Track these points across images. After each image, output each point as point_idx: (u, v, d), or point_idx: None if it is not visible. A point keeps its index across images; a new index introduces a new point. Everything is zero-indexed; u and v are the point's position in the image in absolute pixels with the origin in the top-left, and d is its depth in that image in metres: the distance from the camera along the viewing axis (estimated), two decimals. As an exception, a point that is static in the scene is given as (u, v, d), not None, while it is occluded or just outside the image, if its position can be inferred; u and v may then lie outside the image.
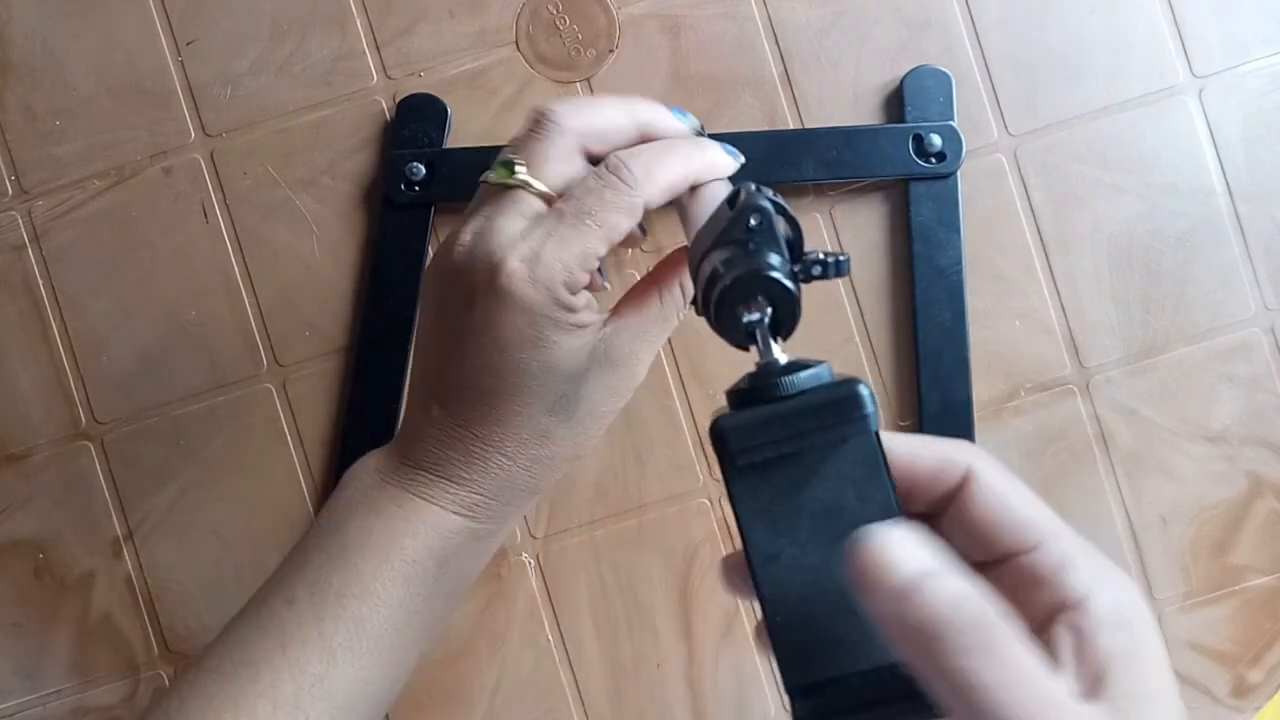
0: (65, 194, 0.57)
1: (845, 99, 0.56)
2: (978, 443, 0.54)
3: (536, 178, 0.41)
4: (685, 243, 0.41)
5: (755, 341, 0.33)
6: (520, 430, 0.42)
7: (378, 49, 0.56)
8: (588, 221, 0.40)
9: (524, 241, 0.40)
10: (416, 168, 0.54)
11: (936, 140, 0.53)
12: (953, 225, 0.54)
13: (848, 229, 0.56)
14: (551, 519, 0.56)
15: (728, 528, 0.56)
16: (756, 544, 0.31)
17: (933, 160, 0.54)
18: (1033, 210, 0.55)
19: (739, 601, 0.56)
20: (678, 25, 0.56)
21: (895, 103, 0.55)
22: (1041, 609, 0.31)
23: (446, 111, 0.55)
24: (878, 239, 0.56)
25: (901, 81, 0.55)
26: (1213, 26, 0.55)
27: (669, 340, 0.55)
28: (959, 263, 0.54)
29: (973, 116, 0.55)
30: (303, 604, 0.41)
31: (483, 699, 0.56)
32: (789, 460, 0.31)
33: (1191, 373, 0.55)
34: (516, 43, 0.56)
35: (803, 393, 0.31)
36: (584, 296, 0.41)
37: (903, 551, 0.29)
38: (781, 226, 0.35)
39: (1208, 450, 0.55)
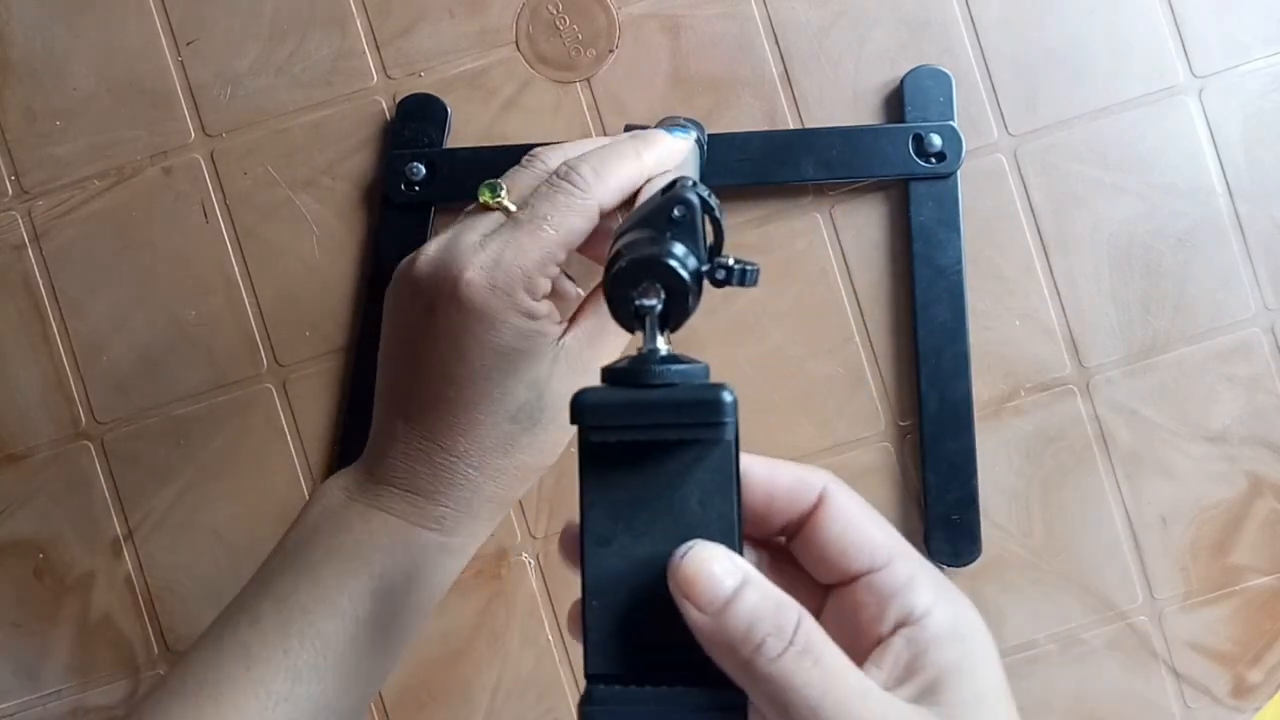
0: (65, 194, 0.57)
1: (845, 99, 0.56)
2: (978, 442, 0.54)
3: (515, 204, 0.41)
4: None
5: (643, 327, 0.33)
6: (484, 439, 0.41)
7: (378, 49, 0.56)
8: (544, 227, 0.40)
9: (483, 250, 0.40)
10: (416, 168, 0.54)
11: (936, 140, 0.53)
12: (953, 225, 0.54)
13: (848, 229, 0.56)
14: (551, 519, 0.56)
15: (728, 528, 0.56)
16: (592, 524, 0.32)
17: (933, 160, 0.54)
18: (1033, 210, 0.55)
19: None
20: (678, 25, 0.56)
21: (895, 103, 0.55)
22: (886, 624, 0.32)
23: (446, 111, 0.55)
24: (878, 239, 0.56)
25: (901, 81, 0.55)
26: (1213, 26, 0.55)
27: (668, 341, 0.55)
28: (959, 263, 0.54)
29: (973, 116, 0.55)
30: (268, 621, 0.40)
31: (483, 698, 0.56)
32: (647, 451, 0.32)
33: (1191, 373, 0.55)
34: (516, 43, 0.56)
35: (670, 385, 0.31)
36: (545, 304, 0.41)
37: (724, 564, 0.30)
38: (706, 226, 0.36)
39: (1208, 450, 0.55)
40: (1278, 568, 0.55)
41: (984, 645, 0.33)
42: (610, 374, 0.32)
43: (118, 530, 0.57)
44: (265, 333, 0.56)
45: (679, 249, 0.33)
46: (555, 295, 0.42)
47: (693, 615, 0.30)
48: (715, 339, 0.55)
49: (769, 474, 0.34)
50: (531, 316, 0.40)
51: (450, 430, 0.41)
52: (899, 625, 0.32)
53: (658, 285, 0.33)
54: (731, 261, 0.35)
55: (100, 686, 0.57)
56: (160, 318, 0.56)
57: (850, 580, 0.34)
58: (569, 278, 0.46)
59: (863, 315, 0.56)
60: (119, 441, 0.57)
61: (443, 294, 0.40)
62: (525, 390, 0.41)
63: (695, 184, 0.36)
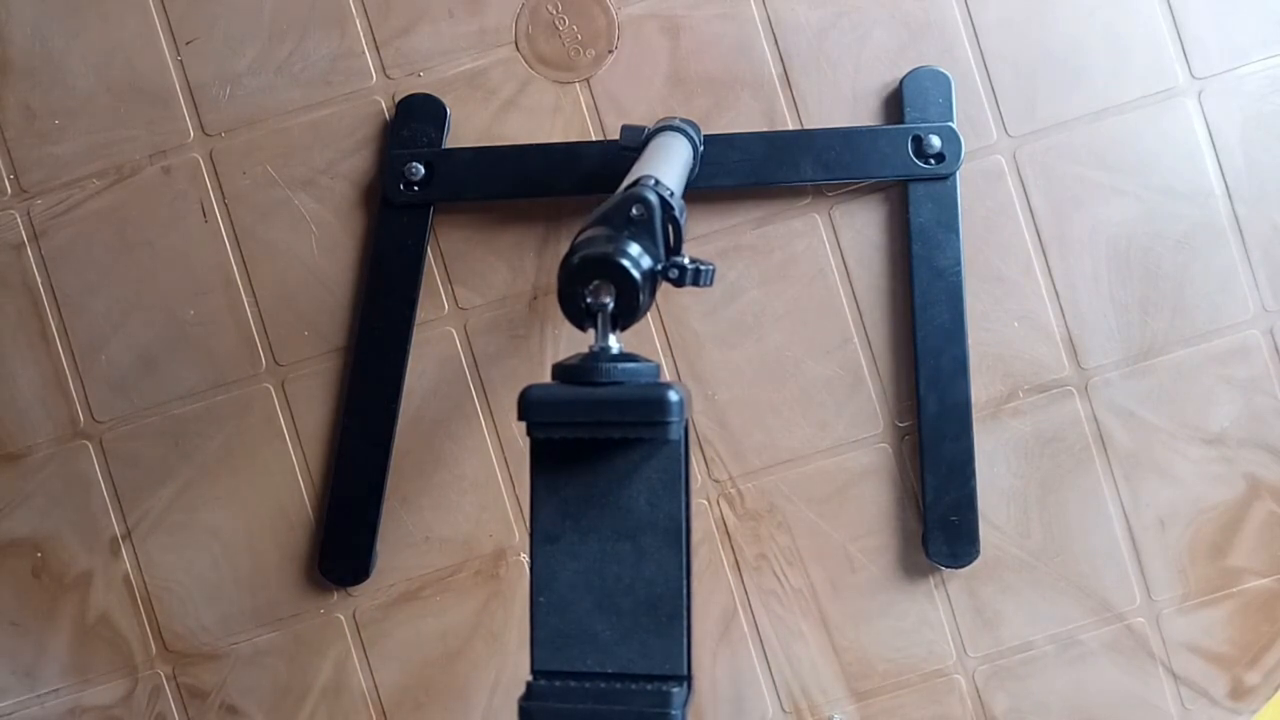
0: (64, 193, 0.57)
1: (845, 100, 0.55)
2: (976, 443, 0.54)
3: None
4: None
5: (595, 325, 0.33)
6: None
7: (377, 49, 0.56)
8: None
9: None
10: (415, 168, 0.54)
11: (935, 141, 0.53)
12: (951, 227, 0.54)
13: (847, 230, 0.56)
14: (550, 519, 0.56)
15: (725, 529, 0.56)
16: (540, 521, 0.32)
17: (932, 161, 0.54)
18: (1031, 212, 0.55)
19: (736, 602, 0.56)
20: (677, 26, 0.56)
21: (895, 104, 0.55)
22: None
23: (446, 111, 0.55)
24: (877, 240, 0.56)
25: (901, 83, 0.54)
26: (1212, 29, 0.55)
27: (667, 342, 0.56)
28: (958, 264, 0.54)
29: (972, 118, 0.55)
30: None
31: (481, 697, 0.56)
32: (595, 449, 0.31)
33: (1190, 375, 0.55)
34: (516, 43, 0.56)
35: (617, 383, 0.31)
36: None
37: None
38: (666, 227, 0.36)
39: (1206, 452, 0.55)
40: (1276, 569, 0.55)
41: None
42: (559, 371, 0.32)
43: (116, 529, 0.57)
44: (264, 332, 0.56)
45: (633, 248, 0.33)
46: None
47: None
48: (714, 340, 0.55)
49: None
50: None
51: None
52: None
53: (609, 284, 0.33)
54: (687, 261, 0.35)
55: (98, 685, 0.57)
56: (159, 317, 0.56)
57: None
58: None
59: (861, 316, 0.56)
60: (117, 441, 0.56)
61: None
62: None
63: (657, 183, 0.36)
